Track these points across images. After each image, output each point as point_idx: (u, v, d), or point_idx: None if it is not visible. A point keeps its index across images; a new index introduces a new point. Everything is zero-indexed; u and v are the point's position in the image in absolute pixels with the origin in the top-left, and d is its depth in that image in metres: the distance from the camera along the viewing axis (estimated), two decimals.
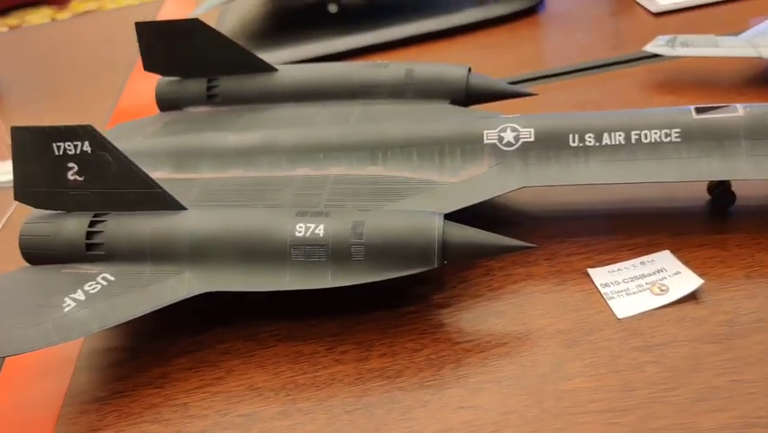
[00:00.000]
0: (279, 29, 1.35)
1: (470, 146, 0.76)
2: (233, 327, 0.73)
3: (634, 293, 0.69)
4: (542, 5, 1.31)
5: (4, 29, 4.82)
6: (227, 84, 0.94)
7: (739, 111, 0.72)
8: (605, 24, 1.22)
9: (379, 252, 0.65)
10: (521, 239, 0.72)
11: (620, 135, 0.73)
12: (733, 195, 0.76)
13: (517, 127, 0.75)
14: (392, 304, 0.72)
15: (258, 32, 1.37)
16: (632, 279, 0.71)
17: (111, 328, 0.67)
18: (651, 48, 1.01)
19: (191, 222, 0.69)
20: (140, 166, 0.83)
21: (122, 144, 0.87)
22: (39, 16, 5.04)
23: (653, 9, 1.20)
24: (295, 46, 1.28)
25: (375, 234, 0.65)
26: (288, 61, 1.23)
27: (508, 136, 0.75)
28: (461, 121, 0.79)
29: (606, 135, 0.73)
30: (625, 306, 0.68)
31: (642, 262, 0.73)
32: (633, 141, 0.73)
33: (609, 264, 0.73)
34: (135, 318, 0.66)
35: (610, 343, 0.65)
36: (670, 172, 0.72)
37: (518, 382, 0.63)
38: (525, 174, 0.74)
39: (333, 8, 1.31)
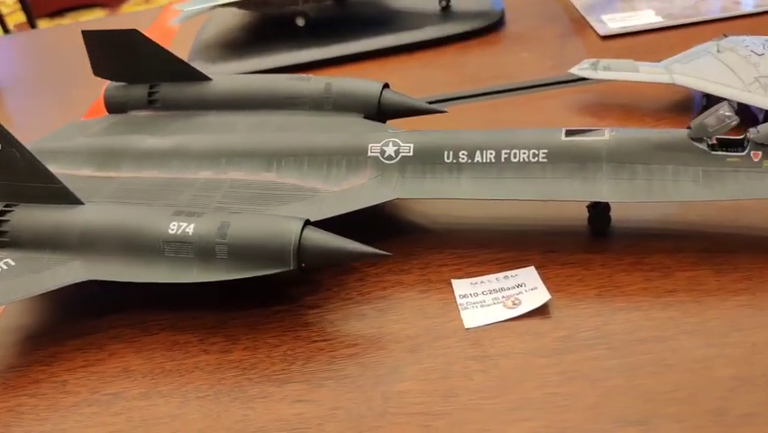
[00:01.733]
0: (253, 39, 1.42)
1: (354, 158, 0.81)
2: (127, 315, 0.80)
3: (488, 305, 0.72)
4: (500, 23, 1.34)
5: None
6: (167, 90, 1.01)
7: (605, 135, 0.74)
8: (553, 45, 1.24)
9: (240, 252, 0.70)
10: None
11: (491, 154, 0.76)
12: (608, 216, 0.79)
13: (399, 142, 0.80)
14: (267, 302, 0.77)
15: (233, 41, 1.44)
16: (491, 291, 0.74)
17: (20, 310, 0.75)
18: (575, 70, 1.03)
19: (84, 216, 0.76)
20: (71, 162, 0.90)
21: (63, 142, 0.95)
22: (91, 18, 5.30)
23: (602, 32, 1.22)
24: (264, 56, 1.34)
25: (238, 235, 0.70)
26: (256, 70, 1.30)
27: (390, 150, 0.80)
28: (352, 134, 0.83)
29: (478, 153, 0.77)
30: (474, 317, 0.71)
31: (505, 276, 0.76)
32: (502, 159, 0.76)
33: (475, 276, 0.76)
34: (43, 301, 0.73)
35: (450, 350, 0.68)
36: (532, 191, 0.75)
37: (355, 381, 0.67)
38: (401, 187, 0.78)
39: (300, 22, 1.38)
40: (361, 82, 0.95)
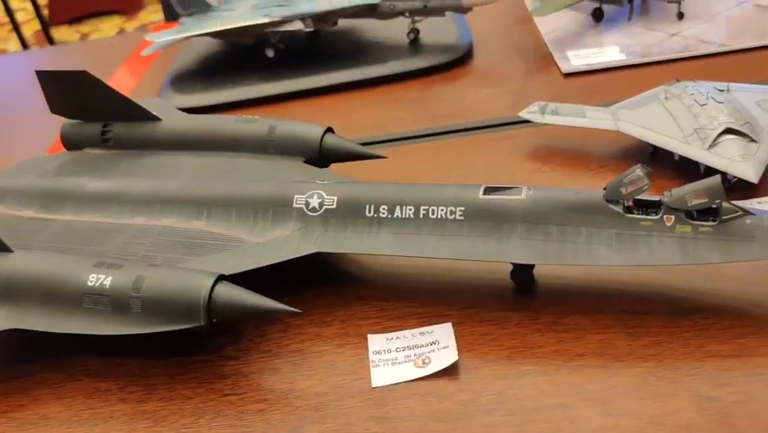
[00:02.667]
0: (225, 70, 1.43)
1: (280, 209, 0.81)
2: (55, 360, 0.81)
3: (399, 363, 0.73)
4: (467, 57, 1.34)
5: (77, 35, 5.20)
6: (119, 130, 1.03)
7: (522, 194, 0.74)
8: (515, 82, 1.23)
9: (153, 306, 0.71)
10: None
11: (411, 210, 0.77)
12: (531, 273, 0.78)
13: (323, 194, 0.80)
14: (189, 350, 0.78)
15: (205, 72, 1.46)
16: (404, 348, 0.74)
17: None
18: (524, 114, 1.02)
19: (11, 264, 0.77)
20: (17, 202, 0.93)
21: (12, 181, 0.97)
22: (109, 25, 5.38)
23: (564, 69, 1.22)
24: (234, 88, 1.36)
25: (151, 289, 0.71)
26: (226, 102, 1.32)
27: (314, 202, 0.80)
28: (280, 184, 0.84)
29: (398, 208, 0.77)
30: (383, 375, 0.72)
31: (421, 333, 0.76)
32: (421, 216, 0.76)
33: (393, 331, 0.77)
34: None
35: (353, 410, 0.69)
36: (447, 250, 0.75)
37: None
38: (322, 240, 0.79)
39: (270, 53, 1.39)
40: (304, 126, 0.96)
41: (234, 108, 1.30)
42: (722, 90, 0.97)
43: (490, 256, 0.74)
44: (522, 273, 0.79)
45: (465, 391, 0.69)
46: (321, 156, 0.95)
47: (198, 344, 0.79)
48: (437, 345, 0.74)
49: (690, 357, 0.68)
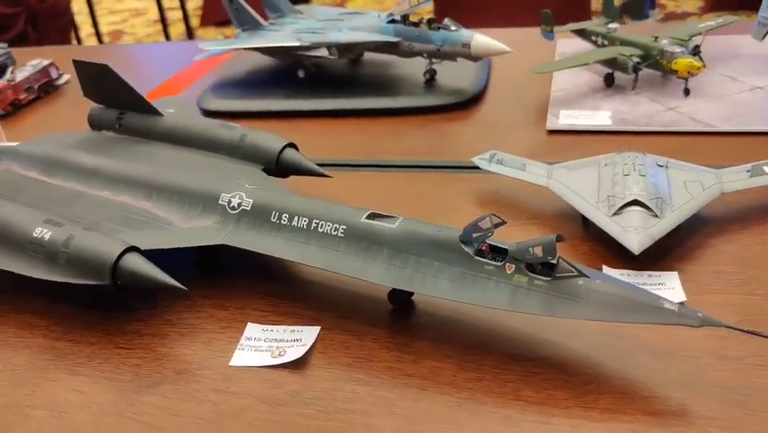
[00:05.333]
0: (260, 83, 1.60)
1: (209, 203, 0.94)
2: (9, 294, 0.97)
3: (260, 350, 0.83)
4: (471, 102, 1.41)
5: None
6: (129, 118, 1.20)
7: (395, 224, 0.82)
8: (501, 131, 1.29)
9: (75, 261, 0.85)
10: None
11: (305, 221, 0.87)
12: (405, 296, 0.85)
13: (244, 196, 0.92)
14: (111, 307, 0.92)
15: (243, 82, 1.63)
16: (271, 340, 0.84)
17: None
18: (475, 159, 1.09)
19: None
20: (26, 164, 1.11)
21: (33, 147, 1.16)
22: None
23: (548, 126, 1.26)
24: (264, 99, 1.51)
25: (76, 247, 0.85)
26: (253, 110, 1.47)
27: (235, 201, 0.92)
28: (217, 181, 0.96)
29: (296, 218, 0.87)
30: (242, 357, 0.82)
31: (292, 330, 0.85)
32: (312, 228, 0.86)
33: (272, 324, 0.86)
34: None
35: (205, 380, 0.79)
36: (323, 261, 0.84)
37: (122, 384, 0.79)
38: (231, 235, 0.90)
39: (301, 74, 1.53)
40: (269, 138, 1.09)
41: (255, 117, 1.45)
42: (661, 165, 1.00)
43: (354, 273, 0.82)
44: (398, 297, 0.87)
45: (297, 383, 0.78)
46: (278, 167, 1.08)
47: (121, 304, 0.93)
48: (298, 342, 0.83)
49: (501, 397, 0.73)
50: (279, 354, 0.82)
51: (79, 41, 4.49)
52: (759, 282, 0.86)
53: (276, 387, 0.78)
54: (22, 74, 1.69)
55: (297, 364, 0.80)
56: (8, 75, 1.67)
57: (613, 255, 0.92)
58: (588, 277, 0.73)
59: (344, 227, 0.85)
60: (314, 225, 0.87)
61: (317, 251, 0.85)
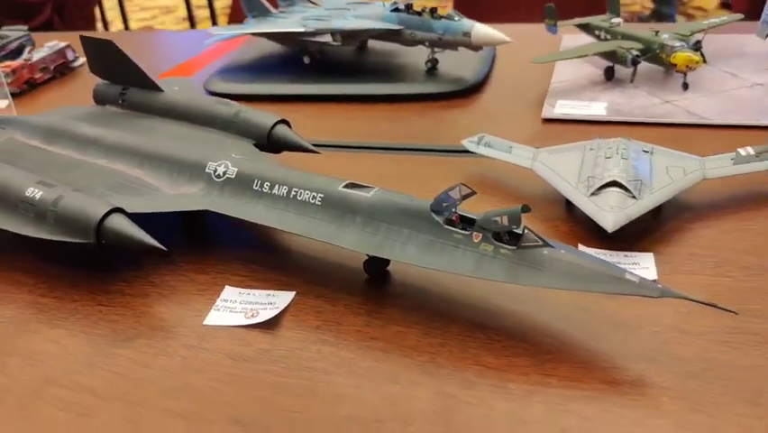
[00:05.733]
0: (267, 68, 1.63)
1: (196, 171, 0.96)
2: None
3: (235, 312, 0.85)
4: (470, 91, 1.43)
5: None
6: (132, 94, 1.24)
7: (370, 193, 0.84)
8: (496, 119, 1.30)
9: (62, 220, 0.88)
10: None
11: (285, 189, 0.89)
12: (381, 266, 0.87)
13: (229, 165, 0.94)
14: (96, 267, 0.94)
15: (251, 66, 1.66)
16: (247, 302, 0.86)
17: None
18: (465, 142, 1.10)
19: None
20: (31, 133, 1.15)
21: (41, 118, 1.19)
22: None
23: (543, 115, 1.27)
24: (270, 83, 1.54)
25: (64, 207, 0.88)
26: (259, 93, 1.50)
27: (220, 170, 0.94)
28: (205, 151, 0.99)
29: (276, 186, 0.89)
30: (217, 317, 0.84)
31: (267, 294, 0.87)
32: (291, 196, 0.88)
33: (249, 289, 0.88)
34: None
35: (178, 336, 0.82)
36: (300, 227, 0.86)
37: (98, 339, 0.82)
38: (215, 202, 0.93)
39: (306, 60, 1.56)
40: (262, 115, 1.11)
41: (259, 101, 1.46)
42: (646, 151, 1.00)
43: (328, 238, 0.84)
44: (374, 267, 0.88)
45: (266, 342, 0.80)
46: (269, 142, 1.10)
47: (108, 266, 0.95)
48: (272, 305, 0.85)
49: (461, 361, 0.74)
50: (252, 316, 0.84)
51: (107, 28, 4.59)
52: (733, 265, 0.86)
53: (245, 345, 0.80)
54: (38, 54, 1.74)
55: (269, 326, 0.82)
56: (25, 54, 1.72)
57: (591, 236, 0.93)
58: (552, 247, 0.74)
59: (322, 196, 0.87)
60: (293, 193, 0.88)
61: (295, 218, 0.87)
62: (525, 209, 0.74)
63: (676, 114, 1.24)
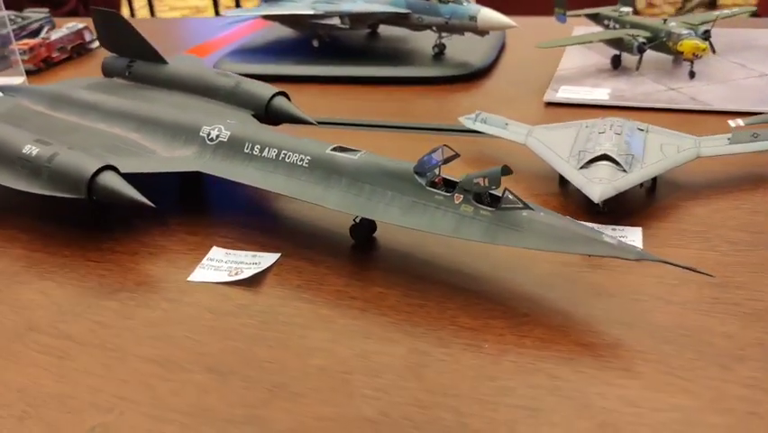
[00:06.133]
0: (278, 50, 1.65)
1: (191, 135, 0.98)
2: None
3: (219, 270, 0.85)
4: (476, 76, 1.43)
5: None
6: (138, 66, 1.25)
7: (357, 156, 0.84)
8: (498, 103, 1.29)
9: (56, 176, 0.90)
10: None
11: (275, 152, 0.89)
12: (367, 232, 0.87)
13: (222, 129, 0.95)
14: (92, 227, 0.96)
15: (262, 48, 1.68)
16: (232, 262, 0.87)
17: None
18: (462, 119, 1.10)
19: None
20: (37, 99, 1.17)
21: (51, 87, 1.22)
22: None
23: (545, 99, 1.26)
24: (280, 65, 1.56)
25: (58, 164, 0.90)
26: (268, 74, 1.51)
27: (213, 134, 0.95)
28: (200, 117, 1.00)
29: (266, 149, 0.90)
30: (201, 274, 0.85)
31: (253, 255, 0.88)
32: (280, 158, 0.89)
33: (236, 250, 0.89)
34: None
35: (161, 291, 0.83)
36: (286, 187, 0.87)
37: (80, 298, 0.83)
38: (207, 164, 0.94)
39: (315, 43, 1.57)
40: (261, 86, 1.12)
41: (265, 81, 1.49)
42: (641, 129, 0.99)
43: (313, 199, 0.85)
44: (359, 232, 0.88)
45: (246, 298, 0.80)
46: (267, 113, 1.11)
47: (101, 226, 0.97)
48: (256, 265, 0.86)
49: (437, 321, 0.74)
50: (236, 274, 0.85)
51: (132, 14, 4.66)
52: (722, 240, 0.85)
53: (225, 300, 0.80)
54: (57, 34, 1.78)
55: (250, 283, 0.83)
56: (43, 34, 1.76)
57: (582, 210, 0.92)
58: (532, 210, 0.74)
59: (309, 158, 0.87)
60: (282, 155, 0.89)
61: (283, 179, 0.88)
62: (506, 171, 0.74)
63: (680, 100, 1.22)
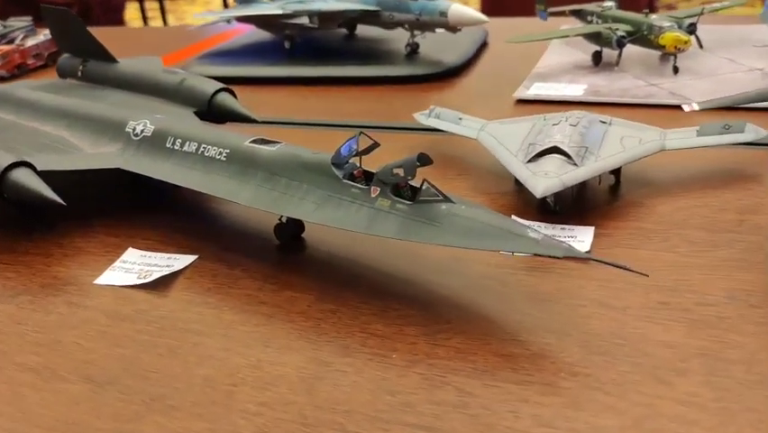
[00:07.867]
0: (250, 53, 1.60)
1: (117, 131, 0.92)
2: None
3: (130, 272, 0.79)
4: (450, 74, 1.36)
5: None
6: (90, 66, 1.21)
7: (275, 147, 0.77)
8: (467, 101, 1.22)
9: None
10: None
11: (194, 146, 0.83)
12: (291, 232, 0.80)
13: (147, 123, 0.89)
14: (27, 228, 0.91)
15: (236, 53, 1.63)
16: (145, 264, 0.80)
17: None
18: (416, 115, 1.03)
19: None
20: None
21: (2, 87, 1.18)
22: None
23: (515, 96, 1.18)
24: (253, 66, 1.51)
25: None
26: (242, 76, 1.45)
27: (139, 129, 0.89)
28: (128, 112, 0.95)
29: (187, 143, 0.84)
30: (110, 277, 0.78)
31: (168, 258, 0.81)
32: (199, 152, 0.82)
33: (154, 252, 0.82)
34: None
35: (65, 293, 0.76)
36: (200, 183, 0.80)
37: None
38: (128, 160, 0.88)
39: (287, 44, 1.51)
40: (205, 82, 1.06)
41: (235, 83, 1.41)
42: (604, 122, 0.90)
43: (226, 195, 0.78)
44: (284, 232, 0.81)
45: (148, 303, 0.73)
46: (210, 110, 1.04)
47: (20, 227, 0.90)
48: (169, 267, 0.79)
49: (347, 329, 0.66)
50: (145, 276, 0.78)
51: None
52: (681, 240, 0.76)
53: (126, 305, 0.73)
54: (32, 41, 1.75)
55: (157, 287, 0.76)
56: (18, 40, 1.74)
57: (534, 209, 0.84)
58: (453, 203, 0.66)
59: (227, 151, 0.80)
60: (201, 149, 0.83)
61: (199, 174, 0.81)
62: (423, 159, 0.66)
63: (658, 96, 1.13)
